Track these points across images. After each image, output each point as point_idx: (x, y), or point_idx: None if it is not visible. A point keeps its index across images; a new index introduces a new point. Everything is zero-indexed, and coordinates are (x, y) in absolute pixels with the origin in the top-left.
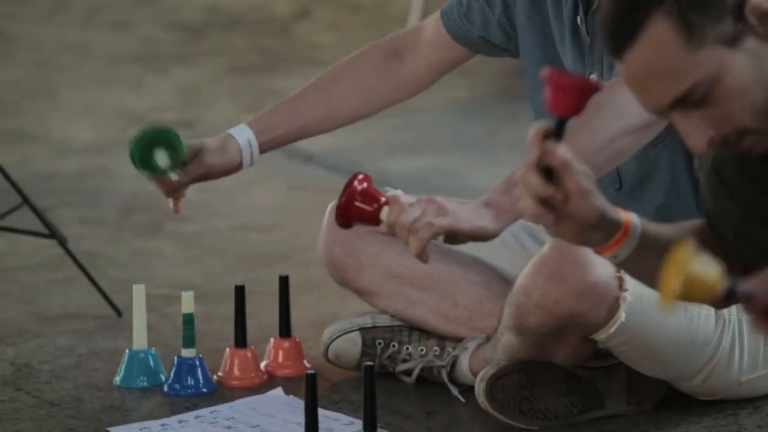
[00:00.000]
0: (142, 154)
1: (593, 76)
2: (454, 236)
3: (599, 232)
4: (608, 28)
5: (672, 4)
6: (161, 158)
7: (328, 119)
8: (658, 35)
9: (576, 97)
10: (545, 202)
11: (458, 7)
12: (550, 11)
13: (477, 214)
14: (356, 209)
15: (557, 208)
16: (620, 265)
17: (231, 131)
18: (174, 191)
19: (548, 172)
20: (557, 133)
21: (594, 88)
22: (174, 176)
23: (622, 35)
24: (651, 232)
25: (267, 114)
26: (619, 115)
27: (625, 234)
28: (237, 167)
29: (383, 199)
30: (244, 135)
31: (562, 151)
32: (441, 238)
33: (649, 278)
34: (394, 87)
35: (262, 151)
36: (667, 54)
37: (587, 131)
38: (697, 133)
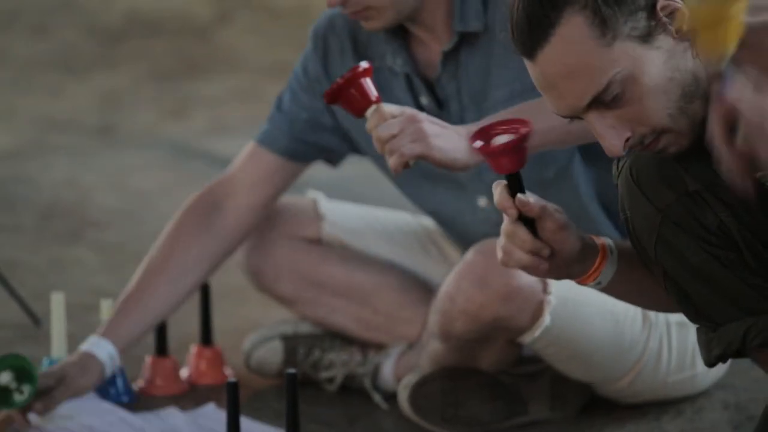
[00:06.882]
0: None
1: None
2: (425, 161)
3: (579, 264)
4: (521, 29)
5: None
6: (4, 378)
7: (177, 297)
8: (573, 30)
9: (516, 154)
10: (537, 253)
11: (274, 124)
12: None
13: (453, 144)
14: (348, 95)
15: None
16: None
17: (88, 348)
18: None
19: (528, 222)
20: (518, 186)
21: (525, 136)
22: (30, 416)
23: (535, 34)
24: (627, 250)
25: (118, 319)
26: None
27: (603, 259)
28: (101, 381)
29: (374, 98)
30: (104, 350)
31: (533, 200)
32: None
33: (635, 297)
34: (225, 240)
35: (122, 353)
36: (582, 49)
37: (545, 112)
38: (612, 134)
